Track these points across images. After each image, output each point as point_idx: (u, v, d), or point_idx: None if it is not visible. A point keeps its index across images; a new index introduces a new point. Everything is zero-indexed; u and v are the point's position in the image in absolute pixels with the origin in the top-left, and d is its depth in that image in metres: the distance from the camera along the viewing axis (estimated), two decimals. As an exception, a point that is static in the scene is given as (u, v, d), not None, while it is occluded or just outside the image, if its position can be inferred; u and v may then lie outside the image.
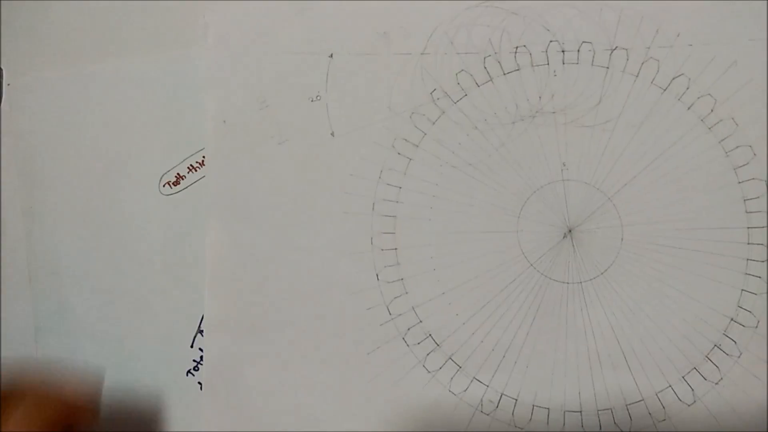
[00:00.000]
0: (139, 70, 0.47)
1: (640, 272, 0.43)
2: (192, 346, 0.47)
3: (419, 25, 0.43)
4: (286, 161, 0.44)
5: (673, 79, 0.42)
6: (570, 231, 0.44)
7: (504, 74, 0.43)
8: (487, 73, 0.44)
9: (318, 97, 0.44)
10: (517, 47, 0.43)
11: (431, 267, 0.44)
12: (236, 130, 0.44)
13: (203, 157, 0.46)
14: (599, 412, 0.43)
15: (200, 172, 0.46)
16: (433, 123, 0.44)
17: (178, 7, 0.46)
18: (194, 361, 0.47)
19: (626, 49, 0.42)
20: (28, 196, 0.47)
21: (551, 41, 0.43)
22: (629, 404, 0.43)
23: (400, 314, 0.44)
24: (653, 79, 0.42)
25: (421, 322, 0.44)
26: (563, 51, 0.43)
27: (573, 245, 0.44)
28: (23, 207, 0.46)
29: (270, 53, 0.44)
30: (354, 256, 0.44)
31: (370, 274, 0.44)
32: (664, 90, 0.42)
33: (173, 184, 0.47)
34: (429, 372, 0.44)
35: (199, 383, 0.46)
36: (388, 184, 0.44)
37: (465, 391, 0.44)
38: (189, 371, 0.47)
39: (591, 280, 0.44)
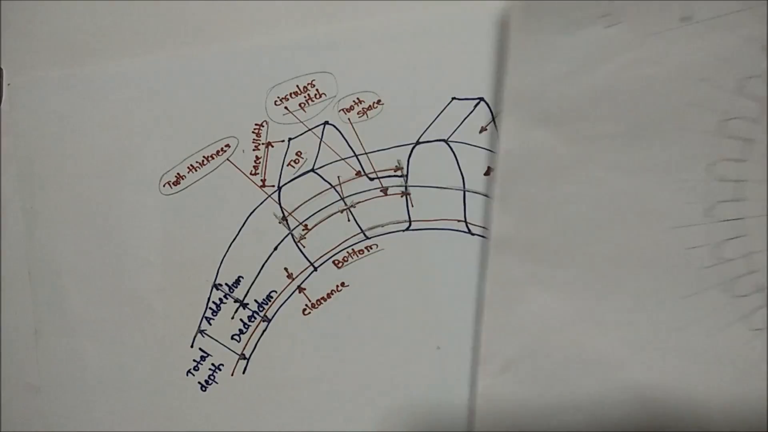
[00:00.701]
0: (139, 70, 0.46)
1: None
2: (192, 346, 0.46)
3: None
4: (614, 51, 0.34)
5: None
6: None
7: None
8: None
9: None
10: None
11: None
12: (549, 7, 0.33)
13: (204, 156, 0.45)
14: None
15: (200, 171, 0.45)
16: None
17: (178, 7, 0.45)
18: (194, 361, 0.47)
19: None
20: (28, 196, 0.46)
21: None
22: None
23: (730, 260, 0.35)
24: None
25: (754, 272, 0.35)
26: None
27: None
28: (23, 207, 0.46)
29: None
30: (682, 183, 0.35)
31: (699, 208, 0.35)
32: None
33: (173, 184, 0.46)
34: (754, 330, 0.35)
35: (199, 383, 0.45)
36: (750, 98, 0.33)
37: (796, 357, 0.33)
38: (189, 371, 0.48)
39: None
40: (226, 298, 0.48)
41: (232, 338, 0.48)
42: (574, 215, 0.35)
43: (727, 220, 0.34)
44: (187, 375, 0.48)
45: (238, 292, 0.48)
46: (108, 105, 0.47)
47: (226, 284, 0.47)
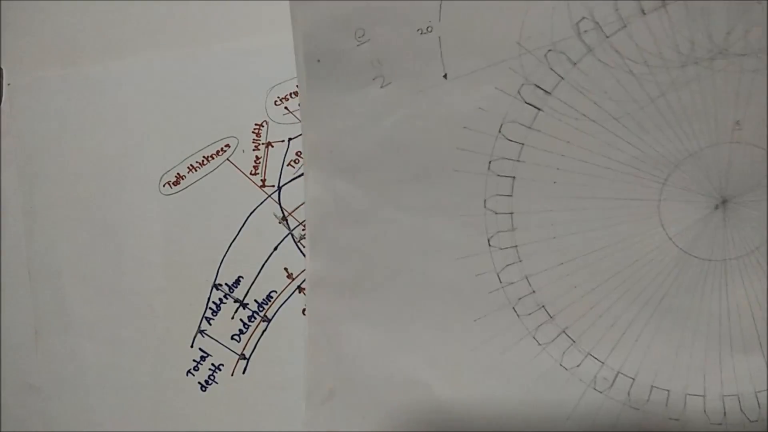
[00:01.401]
0: (139, 70, 0.46)
1: None
2: (192, 346, 0.46)
3: None
4: (390, 108, 0.37)
5: None
6: (724, 202, 0.37)
7: None
8: None
9: (429, 29, 0.36)
10: None
11: (551, 235, 0.38)
12: (332, 70, 0.37)
13: (203, 156, 0.45)
14: (725, 398, 0.38)
15: (200, 171, 0.46)
16: (575, 64, 0.35)
17: (178, 7, 0.46)
18: (194, 361, 0.47)
19: None
20: (28, 196, 0.46)
21: None
22: (758, 392, 0.37)
23: (512, 283, 0.38)
24: None
25: (534, 292, 0.38)
26: None
27: (724, 218, 0.37)
28: (23, 207, 0.46)
29: None
30: (464, 218, 0.38)
31: (481, 239, 0.38)
32: None
33: (173, 184, 0.46)
34: (539, 344, 0.38)
35: (199, 383, 0.45)
36: (509, 140, 0.37)
37: (578, 366, 0.38)
38: (189, 371, 0.47)
39: (738, 258, 0.38)
40: (226, 298, 0.48)
41: (232, 338, 0.48)
42: (377, 253, 0.38)
43: (506, 248, 0.38)
44: (187, 375, 0.48)
45: (238, 292, 0.48)
46: (108, 105, 0.47)
47: (226, 284, 0.47)
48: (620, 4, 0.34)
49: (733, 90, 0.35)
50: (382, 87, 0.37)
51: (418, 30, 0.36)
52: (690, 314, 0.38)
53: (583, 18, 0.35)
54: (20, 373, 0.48)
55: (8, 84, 0.47)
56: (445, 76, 0.36)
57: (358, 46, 0.36)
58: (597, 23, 0.35)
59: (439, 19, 0.36)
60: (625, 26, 0.35)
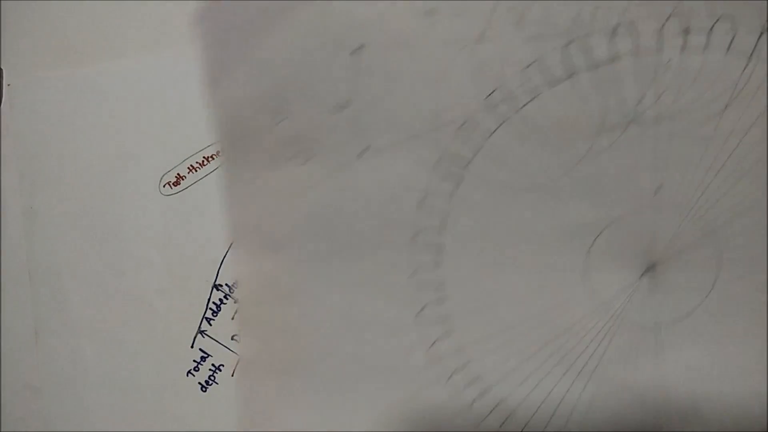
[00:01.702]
0: (139, 70, 0.45)
1: (733, 316, 0.36)
2: (192, 347, 0.45)
3: None
4: (312, 184, 0.37)
5: None
6: (652, 268, 0.36)
7: (593, 67, 0.33)
8: (569, 65, 0.33)
9: (346, 105, 0.35)
10: (617, 25, 0.32)
11: (481, 306, 0.37)
12: (252, 149, 0.37)
13: (204, 157, 0.44)
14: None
15: (200, 172, 0.44)
16: (490, 136, 0.34)
17: (178, 7, 0.43)
18: (194, 361, 0.46)
19: None
20: (28, 196, 0.46)
21: (671, 15, 0.32)
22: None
23: (445, 356, 0.38)
24: None
25: (467, 364, 0.38)
26: (687, 31, 0.32)
27: (654, 284, 0.36)
28: (23, 207, 0.45)
29: (281, 50, 0.35)
30: (392, 293, 0.37)
31: (410, 314, 0.37)
32: None
33: (173, 184, 0.45)
34: (476, 419, 0.38)
35: (200, 383, 0.45)
36: (431, 212, 0.36)
37: (515, 438, 0.36)
38: (189, 371, 0.46)
39: (671, 324, 0.37)
40: (227, 299, 0.47)
41: (232, 339, 0.47)
42: (307, 333, 0.37)
43: (437, 322, 0.36)
44: (188, 375, 0.47)
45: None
46: (108, 105, 0.47)
47: (227, 285, 0.47)
48: (530, 75, 0.33)
49: (651, 155, 0.34)
50: (302, 164, 0.36)
51: (334, 107, 0.35)
52: (625, 382, 0.37)
53: (494, 90, 0.34)
54: (20, 373, 0.48)
55: (8, 84, 0.47)
56: (363, 152, 0.36)
57: (277, 124, 0.36)
58: (508, 95, 0.34)
59: (356, 95, 0.35)
60: (536, 97, 0.34)
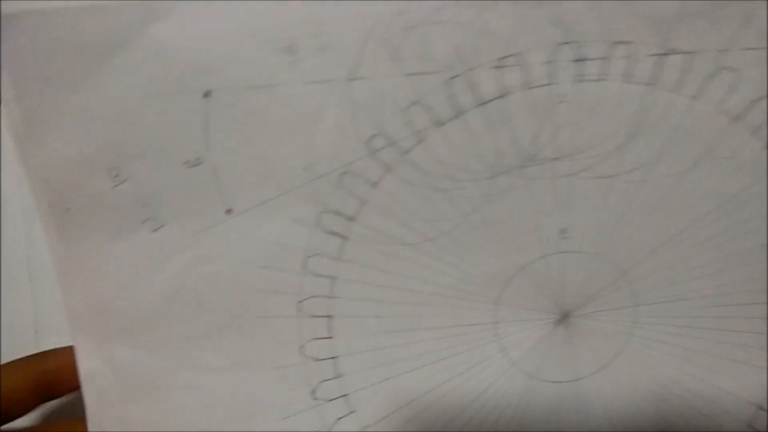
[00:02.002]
0: None
1: (655, 361, 0.34)
2: None
3: (343, 29, 0.28)
4: (167, 253, 0.32)
5: (755, 102, 0.30)
6: (565, 317, 0.34)
7: (481, 104, 0.30)
8: (454, 103, 0.30)
9: (198, 160, 0.30)
10: (503, 58, 0.29)
11: (383, 376, 0.33)
12: (88, 218, 0.31)
13: None
14: None
15: None
16: (375, 185, 0.31)
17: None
18: None
19: (688, 53, 0.29)
20: (28, 195, 0.39)
21: (561, 43, 0.29)
22: None
23: None
24: (721, 103, 0.30)
25: None
26: (580, 60, 0.29)
27: (568, 334, 0.34)
28: (23, 207, 0.43)
29: (111, 99, 0.29)
30: (282, 371, 0.33)
31: (304, 392, 0.33)
32: (735, 119, 0.30)
33: None
34: None
35: None
36: (317, 275, 0.32)
37: None
38: None
39: (591, 376, 0.34)
40: None
41: None
42: (179, 425, 0.33)
43: (335, 399, 0.33)
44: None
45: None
46: None
47: None
48: (412, 116, 0.30)
49: (552, 197, 0.32)
50: (154, 231, 0.32)
51: (184, 163, 0.31)
52: None
53: (375, 135, 0.30)
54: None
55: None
56: (228, 212, 0.31)
57: (114, 187, 0.31)
58: (390, 139, 0.30)
59: (208, 148, 0.30)
60: (422, 140, 0.31)
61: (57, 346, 0.38)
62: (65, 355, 0.33)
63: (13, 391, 0.34)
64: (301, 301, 0.33)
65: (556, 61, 0.30)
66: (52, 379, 0.34)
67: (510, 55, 0.30)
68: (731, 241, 0.33)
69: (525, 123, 0.30)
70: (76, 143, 0.30)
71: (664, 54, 0.30)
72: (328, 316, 0.33)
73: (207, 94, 0.30)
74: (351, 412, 0.34)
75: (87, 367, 0.33)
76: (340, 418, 0.34)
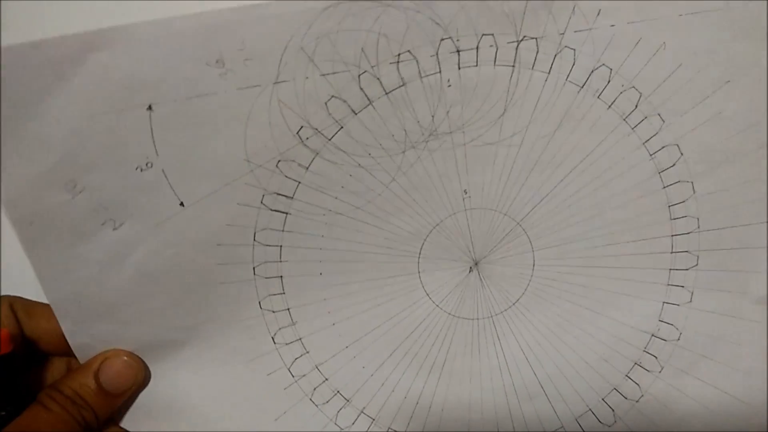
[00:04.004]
0: None
1: (555, 297, 0.40)
2: None
3: (263, 41, 0.33)
4: (129, 247, 0.36)
5: (592, 71, 0.36)
6: (476, 264, 0.40)
7: (386, 93, 0.35)
8: (365, 95, 0.35)
9: (149, 165, 0.34)
10: (399, 54, 0.34)
11: (330, 322, 0.40)
12: (51, 228, 0.34)
13: None
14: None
15: None
16: (307, 168, 0.36)
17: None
18: None
19: (536, 38, 0.35)
20: None
21: (443, 39, 0.34)
22: (548, 432, 0.38)
23: (304, 375, 0.40)
24: (568, 75, 0.36)
25: (327, 379, 0.40)
26: (458, 51, 0.35)
27: (480, 279, 0.40)
28: None
29: (64, 119, 0.33)
30: (244, 323, 0.39)
31: (265, 339, 0.39)
32: (581, 87, 0.36)
33: None
34: (342, 429, 0.41)
35: None
36: (266, 245, 0.38)
37: (382, 444, 0.39)
38: None
39: (502, 312, 0.41)
40: None
41: None
42: (165, 385, 0.40)
43: (291, 342, 0.40)
44: None
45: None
46: None
47: None
48: (332, 108, 0.35)
49: (452, 164, 0.37)
50: (114, 229, 0.36)
51: (136, 168, 0.34)
52: (472, 373, 0.41)
53: (302, 127, 0.35)
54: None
55: None
56: (182, 204, 0.36)
57: (73, 198, 0.34)
58: (315, 129, 0.35)
59: (157, 153, 0.35)
60: (342, 127, 0.36)
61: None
62: None
63: (48, 329, 0.37)
64: (255, 267, 0.38)
65: (440, 53, 0.35)
66: None
67: (405, 52, 0.35)
68: (598, 190, 0.39)
69: (422, 105, 0.36)
70: (34, 164, 0.34)
71: (520, 41, 0.35)
72: (280, 277, 0.39)
73: (150, 108, 0.34)
74: (306, 353, 0.40)
75: (76, 342, 0.37)
76: (297, 358, 0.40)
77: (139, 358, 0.38)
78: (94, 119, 0.33)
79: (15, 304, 0.37)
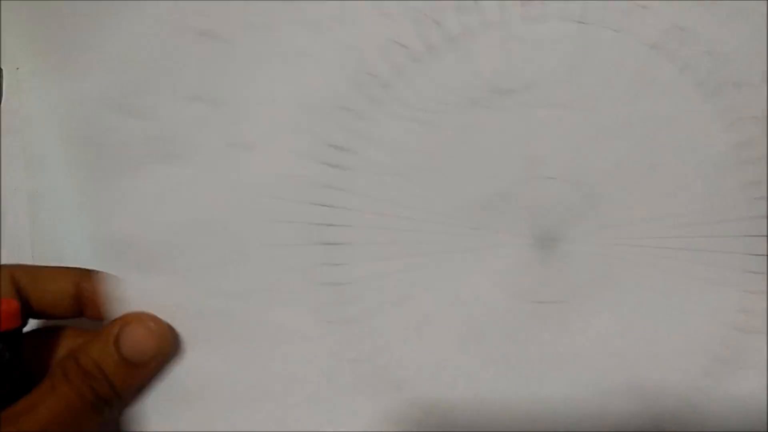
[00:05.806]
0: None
1: (628, 282, 0.36)
2: None
3: None
4: (186, 186, 0.33)
5: (665, 32, 0.33)
6: (550, 241, 0.35)
7: (449, 41, 0.32)
8: (424, 41, 0.32)
9: (204, 94, 0.33)
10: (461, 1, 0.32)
11: (389, 300, 0.35)
12: (106, 153, 0.33)
13: None
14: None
15: None
16: (367, 119, 0.33)
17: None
18: None
19: None
20: (32, 181, 0.43)
21: None
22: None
23: (360, 359, 0.35)
24: (640, 34, 0.33)
25: (388, 364, 0.36)
26: (525, 1, 0.32)
27: (553, 258, 0.36)
28: (28, 192, 0.43)
29: (126, 42, 0.32)
30: (291, 297, 0.35)
31: (316, 317, 0.35)
32: (654, 48, 0.33)
33: None
34: (396, 418, 0.36)
35: None
36: (323, 205, 0.35)
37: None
38: None
39: (571, 297, 0.36)
40: None
41: None
42: (201, 354, 0.35)
43: (344, 323, 0.35)
44: None
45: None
46: None
47: None
48: (392, 52, 0.33)
49: (521, 126, 0.34)
50: (170, 164, 0.34)
51: (192, 97, 0.33)
52: (542, 363, 0.36)
53: (362, 72, 0.33)
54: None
55: (17, 68, 0.45)
56: (235, 147, 0.34)
57: (133, 122, 0.33)
58: (376, 76, 0.33)
59: (213, 86, 0.33)
60: (401, 74, 0.33)
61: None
62: (100, 281, 0.34)
63: (56, 291, 0.34)
64: (309, 230, 0.35)
65: (505, 4, 0.33)
66: (85, 297, 0.35)
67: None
68: (671, 162, 0.35)
69: (486, 59, 0.33)
70: (96, 83, 0.33)
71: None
72: (338, 244, 0.35)
73: (207, 35, 0.33)
74: (361, 335, 0.36)
75: (117, 296, 0.34)
76: (351, 342, 0.36)
77: (167, 324, 0.34)
78: (154, 43, 0.33)
79: (17, 273, 0.34)
